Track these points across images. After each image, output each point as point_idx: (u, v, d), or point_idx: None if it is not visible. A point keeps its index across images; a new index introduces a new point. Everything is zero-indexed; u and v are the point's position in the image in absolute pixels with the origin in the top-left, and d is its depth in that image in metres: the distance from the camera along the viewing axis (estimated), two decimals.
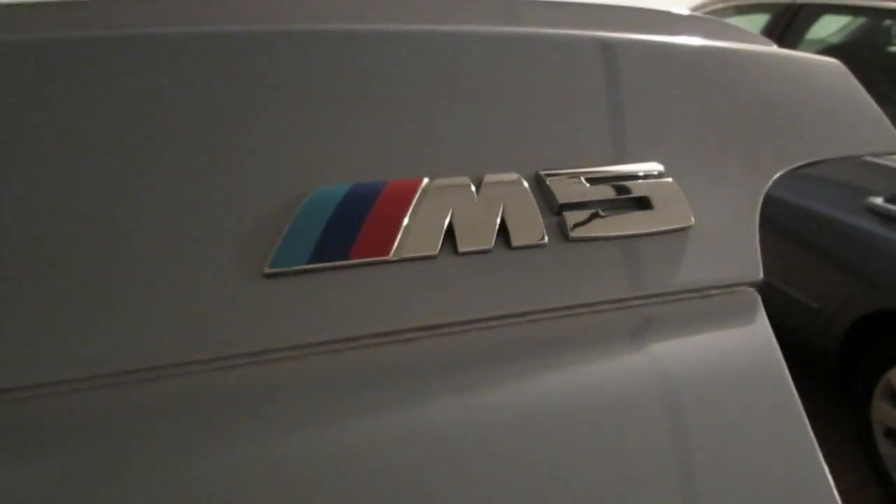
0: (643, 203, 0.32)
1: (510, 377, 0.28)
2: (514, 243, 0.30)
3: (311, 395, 0.26)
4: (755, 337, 0.34)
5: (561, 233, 0.31)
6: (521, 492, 0.25)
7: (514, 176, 0.31)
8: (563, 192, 0.31)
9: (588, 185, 0.32)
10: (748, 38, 0.47)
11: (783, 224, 2.11)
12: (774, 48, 0.48)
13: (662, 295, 0.32)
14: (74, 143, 0.26)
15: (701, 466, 0.29)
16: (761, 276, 0.37)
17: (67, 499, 0.23)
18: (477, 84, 0.32)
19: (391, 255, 0.28)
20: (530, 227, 0.30)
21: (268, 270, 0.26)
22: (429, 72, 0.31)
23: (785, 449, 0.32)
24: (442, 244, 0.29)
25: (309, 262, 0.27)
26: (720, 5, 2.83)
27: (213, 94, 0.28)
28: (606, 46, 0.37)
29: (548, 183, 0.31)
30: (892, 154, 0.47)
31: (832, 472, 0.33)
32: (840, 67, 0.49)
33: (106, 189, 0.26)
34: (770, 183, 0.39)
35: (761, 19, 2.53)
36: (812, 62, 0.48)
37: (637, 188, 0.33)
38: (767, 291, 1.86)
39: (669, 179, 0.34)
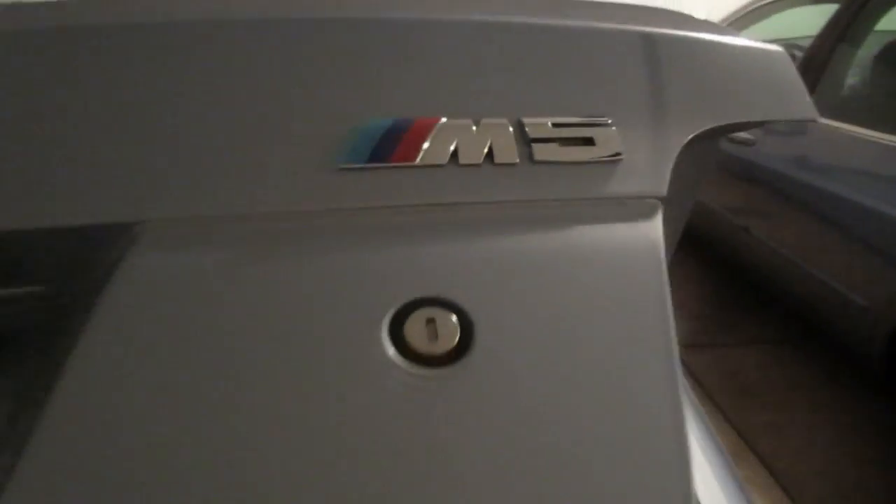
0: (590, 141, 0.47)
1: (483, 234, 0.44)
2: (496, 161, 0.45)
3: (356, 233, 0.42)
4: (648, 231, 0.46)
5: (528, 157, 0.46)
6: None
7: (503, 120, 0.46)
8: (534, 131, 0.46)
9: (552, 127, 0.47)
10: (710, 29, 0.59)
11: (832, 219, 2.14)
12: (726, 37, 0.60)
13: (592, 199, 0.47)
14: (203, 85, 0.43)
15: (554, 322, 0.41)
16: (664, 192, 0.49)
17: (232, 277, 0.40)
18: (486, 57, 0.48)
19: (416, 162, 0.44)
20: (508, 153, 0.45)
21: (340, 165, 0.43)
22: (454, 51, 0.47)
23: (640, 329, 0.42)
24: (448, 159, 0.44)
25: (366, 162, 0.43)
26: None
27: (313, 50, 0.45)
28: (581, 32, 0.51)
29: (525, 125, 0.46)
30: (808, 120, 0.58)
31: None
32: (780, 52, 0.59)
33: (242, 107, 0.43)
34: (691, 135, 0.51)
35: (831, 9, 2.53)
36: (753, 47, 0.58)
37: (587, 132, 0.48)
38: (812, 284, 1.98)
39: (613, 128, 0.49)
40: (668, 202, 0.50)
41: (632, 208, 0.48)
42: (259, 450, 0.36)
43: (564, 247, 0.45)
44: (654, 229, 0.46)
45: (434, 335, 0.39)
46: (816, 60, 2.44)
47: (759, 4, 3.06)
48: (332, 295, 0.40)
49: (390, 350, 0.38)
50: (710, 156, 0.68)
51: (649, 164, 0.49)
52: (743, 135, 2.60)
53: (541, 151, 0.46)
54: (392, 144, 0.44)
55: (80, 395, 0.36)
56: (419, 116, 0.44)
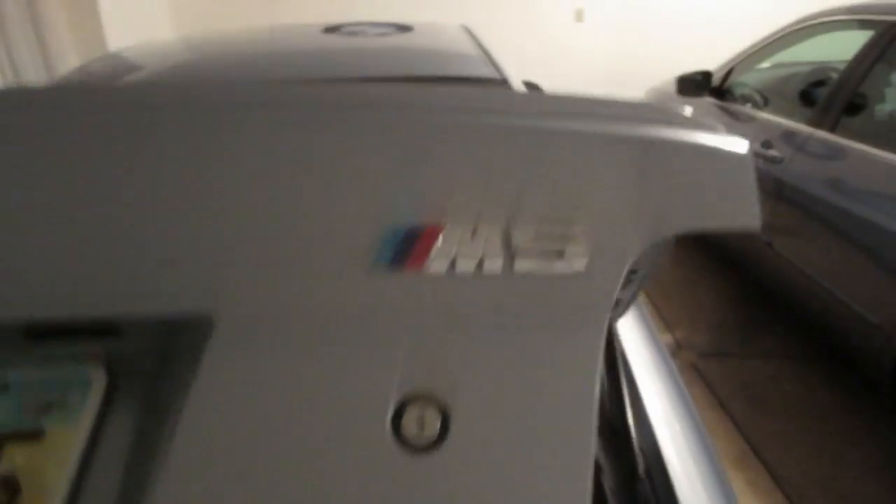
0: (561, 254, 0.56)
1: (464, 338, 0.58)
2: (484, 271, 0.54)
3: None
4: (588, 343, 0.57)
5: (510, 268, 0.55)
6: None
7: (496, 227, 0.54)
8: (519, 241, 0.55)
9: (534, 238, 0.55)
10: (684, 129, 0.61)
11: (855, 240, 2.20)
12: (698, 139, 0.61)
13: (551, 307, 0.57)
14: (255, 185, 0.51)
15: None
16: (613, 301, 0.59)
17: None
18: (485, 161, 0.56)
19: (423, 271, 0.53)
20: (495, 264, 0.54)
21: (366, 272, 0.52)
22: (465, 158, 0.55)
23: (566, 416, 0.55)
24: (447, 269, 0.54)
25: (388, 269, 0.53)
26: (825, 19, 2.88)
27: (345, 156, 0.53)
28: (564, 135, 0.57)
29: (512, 235, 0.54)
30: (749, 231, 0.64)
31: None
32: (743, 157, 0.62)
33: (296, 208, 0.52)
34: (645, 247, 0.58)
35: (866, 35, 2.57)
36: (721, 151, 0.61)
37: (561, 244, 0.56)
38: (829, 302, 2.07)
39: (581, 242, 0.56)
40: (621, 291, 0.60)
41: (581, 317, 0.58)
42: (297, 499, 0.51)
43: (520, 351, 0.57)
44: (594, 339, 0.57)
45: (422, 426, 0.52)
46: (850, 84, 2.50)
47: (801, 26, 3.11)
48: (354, 389, 0.53)
49: (390, 439, 0.52)
50: (660, 251, 0.74)
51: (605, 276, 0.58)
52: (773, 152, 2.66)
53: (520, 264, 0.55)
54: (406, 252, 0.53)
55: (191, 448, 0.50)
56: (428, 224, 0.53)
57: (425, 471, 0.51)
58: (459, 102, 0.58)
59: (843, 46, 2.68)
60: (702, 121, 0.65)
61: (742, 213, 0.63)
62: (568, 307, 0.58)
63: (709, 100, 3.42)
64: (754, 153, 2.46)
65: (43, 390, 0.53)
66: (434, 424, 0.52)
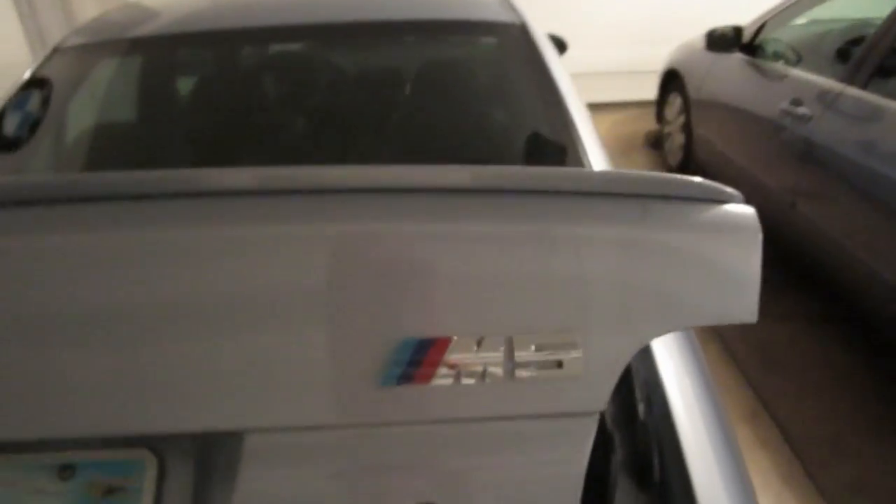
0: (559, 364, 0.59)
1: (465, 447, 0.63)
2: (486, 381, 0.58)
3: None
4: (576, 448, 0.61)
5: (511, 377, 0.58)
6: None
7: (500, 339, 0.58)
8: (520, 354, 0.58)
9: (534, 351, 0.58)
10: (691, 209, 0.61)
11: (875, 195, 2.16)
12: (694, 226, 0.61)
13: (545, 415, 0.61)
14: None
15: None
16: (604, 406, 0.61)
17: None
18: (485, 279, 0.59)
19: (430, 384, 0.57)
20: (496, 375, 0.58)
21: (378, 386, 0.57)
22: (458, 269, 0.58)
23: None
24: (452, 381, 0.58)
25: (397, 384, 0.57)
26: None
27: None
28: (564, 242, 0.59)
29: (514, 347, 0.58)
30: (746, 322, 0.62)
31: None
32: (746, 237, 0.61)
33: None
34: (640, 347, 0.60)
35: None
36: (728, 245, 0.61)
37: (560, 355, 0.58)
38: (849, 261, 2.06)
39: (579, 352, 0.58)
40: None
41: (574, 423, 0.61)
42: None
43: (516, 459, 0.61)
44: (584, 443, 0.60)
45: None
46: (886, 41, 2.42)
47: None
48: (369, 496, 0.59)
49: None
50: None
51: (599, 383, 0.60)
52: (802, 109, 2.60)
53: (520, 375, 0.58)
54: (415, 367, 0.57)
55: None
56: (437, 337, 0.57)
57: None
58: (459, 213, 0.60)
59: (883, 2, 2.59)
60: (714, 188, 0.63)
61: (742, 306, 0.62)
62: (564, 409, 0.61)
63: (738, 56, 3.33)
64: (782, 111, 2.43)
65: (105, 473, 0.60)
66: None
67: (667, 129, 4.40)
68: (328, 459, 0.59)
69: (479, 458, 0.61)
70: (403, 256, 0.59)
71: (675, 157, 4.24)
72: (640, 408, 0.84)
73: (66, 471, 0.59)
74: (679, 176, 0.65)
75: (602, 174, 0.82)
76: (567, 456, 0.61)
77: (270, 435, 0.58)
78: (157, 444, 0.61)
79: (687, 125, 3.94)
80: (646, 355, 0.90)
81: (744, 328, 2.62)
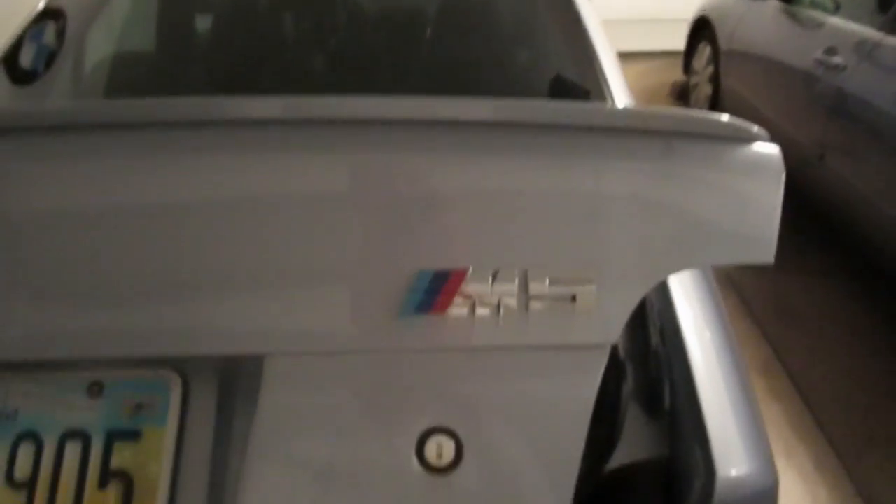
0: (573, 298, 0.59)
1: (478, 375, 0.64)
2: (501, 313, 0.58)
3: None
4: (586, 379, 0.61)
5: (525, 310, 0.59)
6: None
7: (514, 272, 0.58)
8: (534, 288, 0.58)
9: (549, 286, 0.58)
10: (712, 147, 0.60)
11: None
12: (714, 163, 0.60)
13: (557, 346, 0.61)
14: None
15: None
16: (615, 340, 0.62)
17: None
18: (503, 211, 0.59)
19: (446, 314, 0.58)
20: (510, 307, 0.58)
21: (396, 316, 0.58)
22: (478, 205, 0.59)
23: (558, 450, 0.62)
24: (468, 312, 0.58)
25: (414, 314, 0.58)
26: None
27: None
28: (576, 175, 0.60)
29: (529, 280, 0.58)
30: (763, 263, 0.61)
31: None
32: (768, 177, 0.60)
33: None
34: (654, 285, 0.61)
35: None
36: (751, 186, 0.60)
37: (573, 290, 0.59)
38: (877, 217, 2.03)
39: (593, 286, 0.59)
40: None
41: (585, 354, 0.62)
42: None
43: (526, 387, 0.62)
44: (594, 375, 0.61)
45: (440, 454, 0.60)
46: None
47: None
48: (386, 419, 0.61)
49: (416, 463, 0.59)
50: None
51: (611, 317, 0.61)
52: (836, 59, 2.52)
53: (534, 307, 0.59)
54: (432, 297, 0.58)
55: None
56: (454, 269, 0.58)
57: (443, 489, 0.60)
58: (478, 146, 0.60)
59: None
60: (739, 126, 0.62)
61: (760, 246, 0.62)
62: (576, 342, 0.62)
63: (774, 3, 3.21)
64: (816, 61, 2.36)
65: (132, 392, 0.62)
66: (450, 453, 0.60)
67: (693, 81, 4.30)
68: (345, 384, 0.61)
69: (492, 385, 0.62)
70: (422, 188, 0.59)
71: (701, 109, 4.14)
72: (654, 340, 0.85)
73: (94, 388, 0.62)
74: (704, 113, 0.64)
75: (626, 111, 0.81)
76: (577, 386, 0.62)
77: (289, 359, 0.59)
78: (181, 366, 0.63)
79: (715, 76, 3.84)
80: (662, 290, 0.91)
81: (762, 281, 2.60)
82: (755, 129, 0.63)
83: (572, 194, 0.60)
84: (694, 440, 0.73)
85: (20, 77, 1.33)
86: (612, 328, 0.61)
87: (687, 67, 4.44)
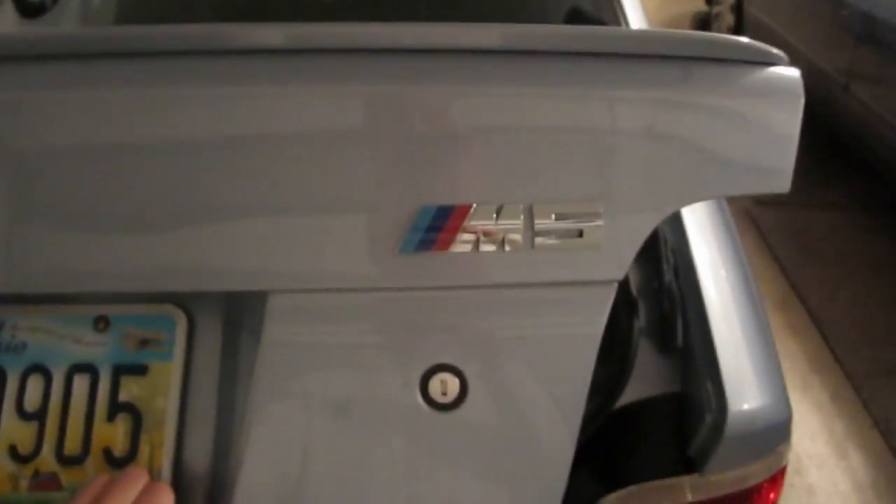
0: (580, 234, 0.57)
1: (482, 312, 0.62)
2: (506, 249, 0.57)
3: None
4: (594, 314, 0.60)
5: (530, 245, 0.57)
6: None
7: (518, 207, 0.56)
8: (540, 222, 0.57)
9: (554, 220, 0.57)
10: (726, 71, 0.58)
11: None
12: (745, 98, 0.58)
13: (564, 283, 0.60)
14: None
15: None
16: (622, 276, 0.60)
17: None
18: (508, 144, 0.57)
19: (448, 251, 0.57)
20: (515, 243, 0.57)
21: (397, 253, 0.56)
22: (483, 136, 0.57)
23: (566, 384, 0.61)
24: (471, 248, 0.57)
25: (415, 251, 0.56)
26: None
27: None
28: (593, 105, 0.57)
29: (534, 214, 0.56)
30: (778, 192, 0.60)
31: None
32: (786, 109, 0.58)
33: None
34: (662, 219, 0.59)
35: None
36: (770, 113, 0.58)
37: (580, 225, 0.57)
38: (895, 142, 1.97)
39: (601, 222, 0.57)
40: None
41: (592, 291, 0.60)
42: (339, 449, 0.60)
43: (531, 324, 0.61)
44: (601, 311, 0.60)
45: (444, 391, 0.59)
46: None
47: None
48: (388, 357, 0.60)
49: (420, 399, 0.59)
50: None
51: (619, 253, 0.59)
52: None
53: (540, 243, 0.57)
54: (434, 233, 0.56)
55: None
56: (457, 204, 0.56)
57: (448, 425, 0.60)
58: (479, 75, 0.58)
59: None
60: (757, 48, 0.59)
61: (776, 175, 0.60)
62: (582, 278, 0.60)
63: None
64: None
65: (137, 327, 0.62)
66: (454, 390, 0.60)
67: (716, 10, 4.14)
68: (348, 321, 0.60)
69: (497, 322, 0.62)
70: (423, 121, 0.58)
71: None
72: (667, 275, 0.84)
73: (100, 322, 0.62)
74: (720, 35, 0.60)
75: (637, 33, 0.77)
76: (584, 323, 0.61)
77: (291, 296, 0.59)
78: (186, 302, 0.63)
79: (738, 4, 3.70)
80: (676, 224, 0.88)
81: (781, 215, 2.56)
82: (774, 51, 0.60)
83: (577, 125, 0.58)
84: (706, 375, 0.73)
85: (28, 10, 1.31)
86: (620, 264, 0.60)
87: None
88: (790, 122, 0.58)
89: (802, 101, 0.59)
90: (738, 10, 3.70)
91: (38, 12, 1.32)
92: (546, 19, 1.41)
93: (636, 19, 1.23)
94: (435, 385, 0.59)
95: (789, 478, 1.66)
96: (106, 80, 0.56)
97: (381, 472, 0.60)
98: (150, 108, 0.56)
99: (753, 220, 2.56)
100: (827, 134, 2.83)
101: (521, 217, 0.57)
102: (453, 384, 0.59)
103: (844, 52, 2.54)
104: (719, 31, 4.07)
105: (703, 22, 4.41)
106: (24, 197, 0.56)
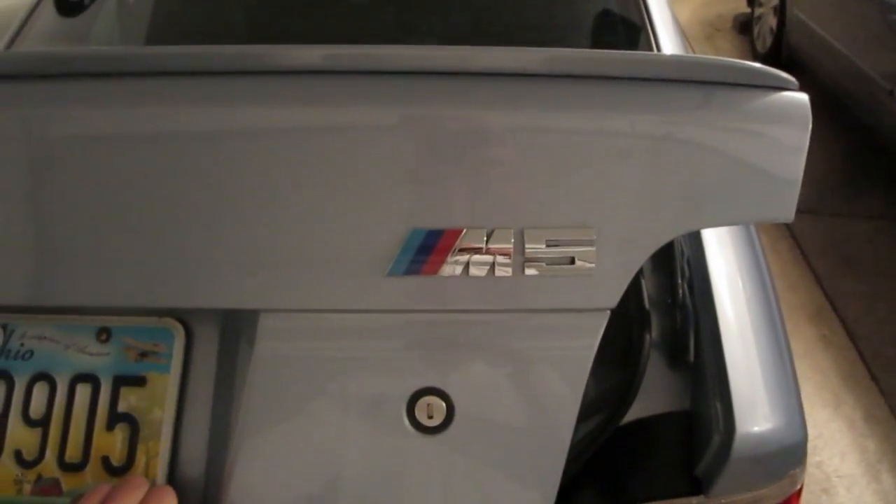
0: (571, 260, 0.56)
1: (470, 338, 0.62)
2: (496, 274, 0.56)
3: None
4: (586, 342, 0.59)
5: (521, 272, 0.56)
6: None
7: (509, 232, 0.55)
8: (530, 248, 0.56)
9: (546, 247, 0.56)
10: (732, 98, 0.56)
11: None
12: (751, 122, 0.56)
13: (555, 310, 0.59)
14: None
15: None
16: (615, 304, 0.58)
17: None
18: (500, 168, 0.56)
19: (438, 274, 0.56)
20: (505, 269, 0.56)
21: (386, 275, 0.56)
22: (474, 159, 0.56)
23: (553, 413, 0.61)
24: (461, 273, 0.56)
25: (403, 274, 0.56)
26: None
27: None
28: (593, 131, 0.56)
29: (525, 239, 0.55)
30: (782, 222, 0.58)
31: None
32: (798, 150, 0.55)
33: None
34: (657, 248, 0.57)
35: None
36: (777, 141, 0.56)
37: (572, 251, 0.56)
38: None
39: (593, 248, 0.55)
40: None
41: (583, 319, 0.59)
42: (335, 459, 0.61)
43: (520, 350, 0.60)
44: (591, 339, 0.59)
45: (430, 415, 0.59)
46: None
47: None
48: (376, 378, 0.60)
49: (406, 422, 0.59)
50: None
51: (611, 280, 0.57)
52: None
53: (530, 269, 0.56)
54: (423, 257, 0.56)
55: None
56: (447, 228, 0.56)
57: (434, 448, 0.60)
58: (474, 99, 0.58)
59: None
60: (766, 72, 0.57)
61: (779, 203, 0.57)
62: (574, 305, 0.59)
63: None
64: None
65: (137, 338, 0.64)
66: (441, 413, 0.59)
67: (758, 12, 4.04)
68: (337, 341, 0.61)
69: (485, 347, 0.61)
70: (414, 144, 0.58)
71: (763, 42, 3.90)
72: (681, 289, 0.82)
73: (103, 333, 0.64)
74: (728, 60, 0.59)
75: (641, 56, 0.76)
76: (574, 347, 0.60)
77: (282, 315, 0.60)
78: (185, 316, 0.64)
79: (781, 7, 3.60)
80: (694, 235, 0.87)
81: (818, 225, 2.48)
82: (783, 75, 0.58)
83: (571, 150, 0.57)
84: (715, 394, 0.71)
85: (67, 8, 1.34)
86: (612, 292, 0.59)
87: None
88: (796, 148, 0.57)
89: (810, 126, 0.57)
90: (781, 11, 3.61)
91: (76, 10, 1.36)
92: (576, 17, 1.39)
93: (662, 20, 1.20)
94: (421, 408, 0.59)
95: (816, 497, 1.61)
96: (108, 102, 0.58)
97: (367, 494, 0.61)
98: (155, 131, 0.57)
99: (788, 228, 2.49)
100: (869, 140, 2.73)
101: (512, 242, 0.56)
102: (440, 407, 0.59)
103: (891, 56, 2.45)
104: (761, 33, 3.97)
105: (745, 24, 4.30)
106: (34, 217, 0.58)
